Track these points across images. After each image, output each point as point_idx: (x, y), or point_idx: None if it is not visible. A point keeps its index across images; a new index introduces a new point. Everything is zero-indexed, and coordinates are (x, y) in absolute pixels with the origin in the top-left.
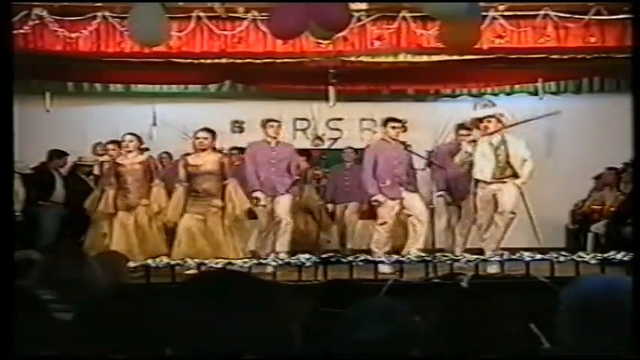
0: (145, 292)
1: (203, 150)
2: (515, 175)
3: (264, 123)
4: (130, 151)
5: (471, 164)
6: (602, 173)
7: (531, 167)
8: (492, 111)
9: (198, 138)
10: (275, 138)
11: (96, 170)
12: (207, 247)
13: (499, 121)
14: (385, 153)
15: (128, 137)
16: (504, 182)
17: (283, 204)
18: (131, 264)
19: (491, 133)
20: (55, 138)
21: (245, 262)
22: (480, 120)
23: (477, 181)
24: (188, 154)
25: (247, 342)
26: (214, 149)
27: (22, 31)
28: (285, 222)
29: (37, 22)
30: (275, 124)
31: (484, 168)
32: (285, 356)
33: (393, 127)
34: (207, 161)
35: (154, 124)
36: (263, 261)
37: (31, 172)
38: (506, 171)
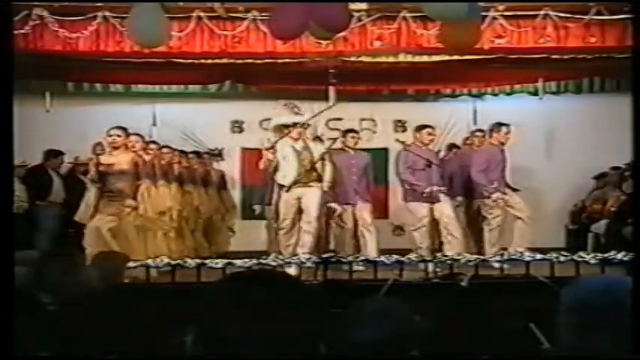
0: (147, 292)
1: (116, 148)
2: (320, 179)
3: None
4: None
5: (276, 168)
6: (606, 172)
7: (330, 172)
8: (298, 118)
9: (111, 136)
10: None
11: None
12: (116, 248)
13: (303, 127)
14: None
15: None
16: (310, 187)
17: None
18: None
19: (296, 140)
20: (55, 138)
21: (245, 262)
22: (286, 126)
23: (281, 185)
24: (100, 153)
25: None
26: (127, 147)
27: (22, 31)
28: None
29: (37, 22)
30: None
31: (287, 173)
32: (286, 356)
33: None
34: (121, 160)
35: (154, 124)
36: (263, 260)
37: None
38: (312, 175)
